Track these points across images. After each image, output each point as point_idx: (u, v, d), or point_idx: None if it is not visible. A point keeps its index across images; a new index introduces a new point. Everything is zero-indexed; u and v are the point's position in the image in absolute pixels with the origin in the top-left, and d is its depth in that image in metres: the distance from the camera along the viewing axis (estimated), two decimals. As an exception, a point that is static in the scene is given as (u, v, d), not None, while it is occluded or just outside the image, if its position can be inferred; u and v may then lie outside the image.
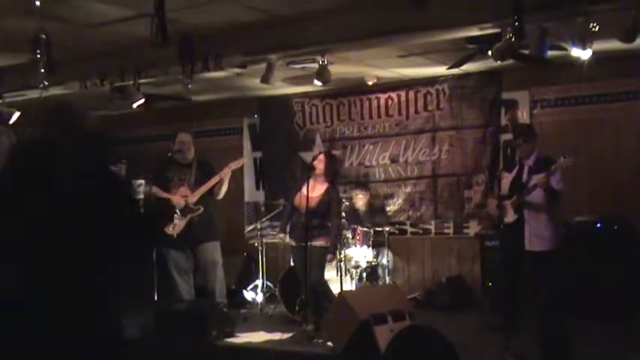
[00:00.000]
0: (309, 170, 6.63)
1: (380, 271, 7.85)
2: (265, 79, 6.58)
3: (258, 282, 8.17)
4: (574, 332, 5.25)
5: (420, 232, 8.61)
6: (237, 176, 8.49)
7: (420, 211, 8.57)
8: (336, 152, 8.90)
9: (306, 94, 9.18)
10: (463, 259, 8.23)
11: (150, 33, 5.08)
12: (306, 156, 8.91)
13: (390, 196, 8.72)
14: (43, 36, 5.57)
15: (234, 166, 7.04)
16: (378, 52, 6.97)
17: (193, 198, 6.90)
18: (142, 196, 7.09)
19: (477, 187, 8.16)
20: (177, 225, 6.86)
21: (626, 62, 6.98)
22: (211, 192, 7.00)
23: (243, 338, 6.50)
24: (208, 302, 6.88)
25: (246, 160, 9.24)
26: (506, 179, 5.78)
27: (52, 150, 2.55)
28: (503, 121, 8.03)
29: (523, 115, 7.92)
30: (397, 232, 8.44)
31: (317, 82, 6.59)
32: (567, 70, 6.81)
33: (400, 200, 8.67)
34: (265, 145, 9.66)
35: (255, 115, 9.70)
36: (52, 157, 2.52)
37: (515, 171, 5.72)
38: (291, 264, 7.84)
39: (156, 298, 6.89)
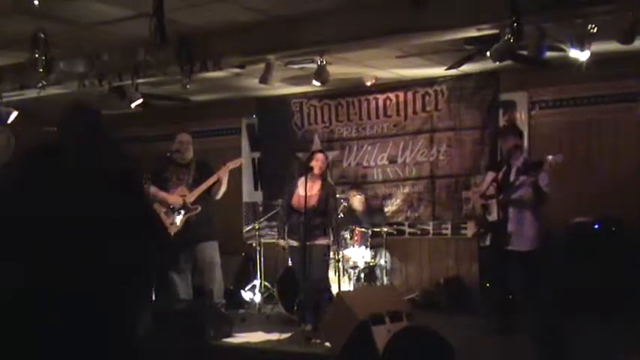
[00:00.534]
0: (307, 171, 6.63)
1: (378, 271, 7.85)
2: (264, 80, 6.58)
3: (256, 282, 8.17)
4: (572, 333, 5.26)
5: (418, 232, 8.61)
6: (235, 176, 8.50)
7: (418, 211, 8.58)
8: (334, 152, 8.94)
9: (304, 95, 9.18)
10: (461, 260, 8.23)
11: (149, 33, 5.07)
12: (304, 156, 8.92)
13: (388, 196, 8.73)
14: (42, 35, 5.57)
15: (231, 165, 7.04)
16: (377, 53, 6.97)
17: (191, 198, 6.90)
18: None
19: (475, 188, 8.16)
20: (174, 224, 6.86)
21: (625, 64, 6.99)
22: (210, 192, 7.00)
23: (240, 338, 6.49)
24: (206, 302, 6.88)
25: (245, 161, 9.25)
26: (493, 178, 5.81)
27: (71, 150, 2.53)
28: (502, 122, 8.03)
29: (521, 117, 7.93)
30: (395, 232, 8.44)
31: (315, 83, 6.59)
32: (566, 72, 6.80)
33: (398, 201, 8.67)
34: (264, 146, 9.66)
35: (254, 116, 9.71)
36: (71, 156, 2.51)
37: (502, 171, 5.74)
38: (289, 264, 7.86)
39: (154, 298, 6.88)
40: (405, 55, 7.13)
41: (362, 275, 7.62)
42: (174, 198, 6.88)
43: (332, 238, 6.77)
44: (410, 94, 8.60)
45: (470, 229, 8.20)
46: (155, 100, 8.27)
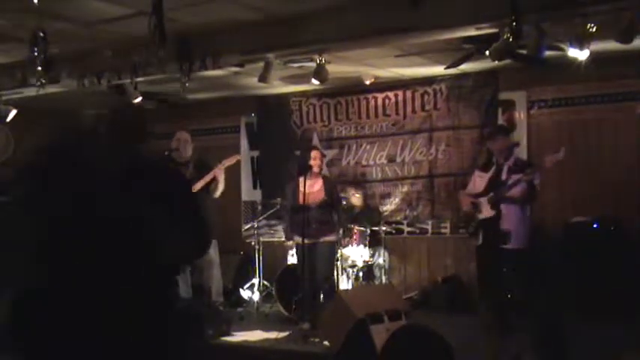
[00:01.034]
0: (305, 170, 6.64)
1: (376, 270, 7.86)
2: (263, 78, 6.58)
3: (255, 281, 8.17)
4: (571, 333, 5.26)
5: (417, 231, 8.61)
6: (234, 175, 8.50)
7: (416, 210, 8.58)
8: (333, 151, 8.95)
9: (303, 93, 9.18)
10: (459, 259, 8.23)
11: (148, 31, 5.07)
12: (301, 154, 8.93)
13: (387, 195, 8.73)
14: (41, 34, 5.56)
15: (227, 163, 7.03)
16: (376, 52, 6.97)
17: None
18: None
19: (463, 190, 8.15)
20: None
21: (624, 63, 6.99)
22: (207, 190, 6.99)
23: (239, 337, 6.50)
24: (205, 300, 6.88)
25: (243, 159, 9.25)
26: (482, 178, 5.82)
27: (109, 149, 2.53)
28: (501, 121, 8.03)
29: (520, 116, 7.93)
30: (394, 231, 8.45)
31: (314, 81, 6.58)
32: (565, 71, 6.79)
33: (397, 200, 8.67)
34: (262, 144, 9.66)
35: (253, 114, 9.71)
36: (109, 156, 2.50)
37: (492, 171, 5.75)
38: (288, 263, 7.87)
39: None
40: (404, 54, 7.13)
41: (360, 274, 7.63)
42: None
43: (340, 234, 6.85)
44: (409, 93, 8.60)
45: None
46: (154, 98, 8.28)
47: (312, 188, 6.65)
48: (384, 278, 7.86)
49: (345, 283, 7.43)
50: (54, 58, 6.14)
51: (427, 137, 8.50)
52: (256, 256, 8.16)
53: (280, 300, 7.34)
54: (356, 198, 8.17)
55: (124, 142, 2.58)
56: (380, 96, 8.75)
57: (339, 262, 7.33)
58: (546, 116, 7.86)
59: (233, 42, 6.37)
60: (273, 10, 5.88)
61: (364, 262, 7.61)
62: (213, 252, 7.06)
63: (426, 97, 8.51)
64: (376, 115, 8.81)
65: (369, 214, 8.17)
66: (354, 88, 8.78)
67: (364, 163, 8.90)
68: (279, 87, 8.83)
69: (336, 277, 7.23)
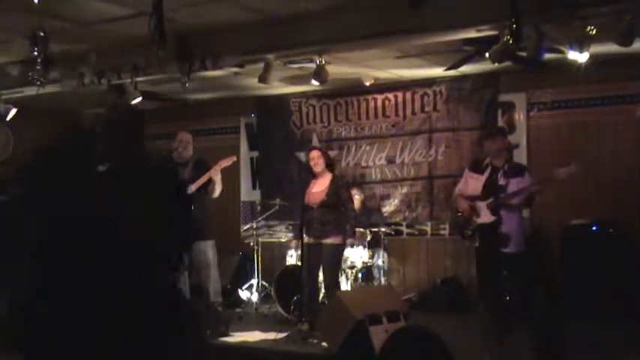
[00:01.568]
0: (308, 172, 6.64)
1: (375, 271, 7.85)
2: (263, 79, 6.59)
3: (254, 281, 8.16)
4: (571, 335, 5.27)
5: (416, 233, 8.61)
6: (233, 175, 8.50)
7: (416, 212, 8.58)
8: (333, 152, 8.93)
9: (303, 94, 9.18)
10: (458, 261, 8.23)
11: (148, 32, 5.07)
12: (303, 156, 8.92)
13: (386, 196, 8.73)
14: (41, 33, 5.56)
15: (224, 164, 7.02)
16: (376, 53, 6.98)
17: None
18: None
19: (458, 191, 8.15)
20: None
21: (623, 65, 7.00)
22: (205, 191, 6.99)
23: (237, 337, 6.50)
24: (203, 301, 6.88)
25: (242, 159, 9.25)
26: (476, 180, 5.82)
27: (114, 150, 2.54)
28: (500, 123, 8.04)
29: (520, 118, 7.94)
30: (393, 232, 8.44)
31: (314, 82, 6.59)
32: (564, 73, 6.81)
33: (396, 201, 8.68)
34: (262, 145, 9.66)
35: (253, 115, 9.71)
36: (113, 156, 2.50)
37: (487, 173, 5.74)
38: (287, 263, 7.87)
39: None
40: (403, 55, 7.13)
41: (359, 275, 7.62)
42: None
43: (346, 235, 6.54)
44: (409, 95, 8.60)
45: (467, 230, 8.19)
46: (154, 98, 8.27)
47: (316, 189, 6.64)
48: (383, 279, 7.86)
49: (344, 284, 7.43)
50: (54, 58, 6.14)
51: (427, 139, 8.50)
52: (255, 256, 8.16)
53: (279, 301, 7.33)
54: (356, 199, 8.16)
55: (120, 142, 2.59)
56: (380, 97, 8.76)
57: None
58: (546, 118, 7.87)
59: (233, 42, 6.38)
60: (273, 10, 5.88)
61: (363, 263, 7.61)
62: (211, 252, 7.06)
63: (425, 98, 8.51)
64: (376, 117, 8.81)
65: (369, 215, 8.16)
66: (354, 89, 8.78)
67: (364, 164, 8.90)
68: (279, 88, 8.83)
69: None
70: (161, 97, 8.53)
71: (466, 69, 7.39)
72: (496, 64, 5.97)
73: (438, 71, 7.74)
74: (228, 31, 6.29)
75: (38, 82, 6.32)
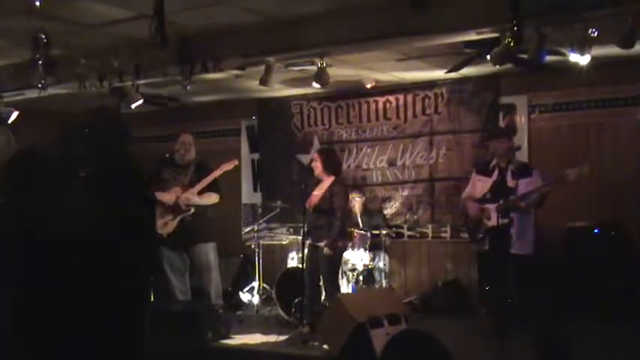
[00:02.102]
0: (309, 174, 6.65)
1: (376, 274, 7.83)
2: (264, 81, 6.59)
3: (255, 284, 8.16)
4: (572, 337, 5.25)
5: (417, 235, 8.61)
6: (234, 178, 8.50)
7: (417, 214, 8.57)
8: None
9: (304, 97, 9.18)
10: (460, 264, 8.22)
11: (149, 34, 5.08)
12: (304, 158, 8.92)
13: (388, 199, 8.73)
14: (42, 36, 5.57)
15: (226, 167, 7.03)
16: (377, 56, 6.98)
17: (185, 199, 6.89)
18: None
19: (465, 194, 8.14)
20: (167, 225, 6.87)
21: (625, 68, 7.00)
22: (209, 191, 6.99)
23: (238, 340, 6.49)
24: (204, 303, 6.87)
25: (244, 162, 9.26)
26: (484, 182, 5.80)
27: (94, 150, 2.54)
28: (502, 125, 8.03)
29: (521, 120, 7.93)
30: (394, 235, 8.44)
31: (315, 85, 6.59)
32: (566, 76, 6.82)
33: (397, 204, 8.67)
34: (263, 147, 9.66)
35: (254, 117, 9.71)
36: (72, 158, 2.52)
37: (495, 175, 5.73)
38: (288, 266, 7.87)
39: (152, 298, 6.88)
40: (405, 57, 7.13)
41: (360, 278, 7.61)
42: (167, 198, 6.88)
43: (333, 241, 6.50)
44: (410, 97, 8.60)
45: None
46: (155, 101, 8.28)
47: (316, 192, 6.68)
48: (384, 282, 7.85)
49: (345, 287, 7.42)
50: (56, 60, 6.14)
51: (428, 141, 8.50)
52: (256, 258, 8.15)
53: (280, 303, 7.33)
54: (357, 202, 8.16)
55: (101, 144, 2.60)
56: (381, 100, 8.76)
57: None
58: (547, 121, 7.86)
59: (234, 45, 6.38)
60: (274, 13, 5.88)
61: (364, 265, 7.60)
62: (212, 255, 7.06)
63: (426, 100, 8.51)
64: (377, 119, 8.81)
65: (370, 217, 8.16)
66: (355, 92, 8.78)
67: (365, 166, 8.90)
68: (280, 90, 8.84)
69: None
70: (162, 99, 8.54)
71: (467, 71, 7.38)
72: (497, 67, 5.96)
73: (439, 74, 7.74)
74: (230, 33, 6.29)
75: (39, 85, 6.33)
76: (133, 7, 5.62)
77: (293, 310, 6.99)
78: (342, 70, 7.44)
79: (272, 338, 6.45)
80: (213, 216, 7.19)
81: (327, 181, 6.69)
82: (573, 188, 7.25)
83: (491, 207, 5.65)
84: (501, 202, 5.55)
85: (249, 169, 9.71)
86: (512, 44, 5.12)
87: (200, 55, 6.41)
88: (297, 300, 6.86)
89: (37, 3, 5.13)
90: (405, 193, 8.63)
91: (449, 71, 7.12)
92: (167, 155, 7.15)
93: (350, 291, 7.38)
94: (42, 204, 2.40)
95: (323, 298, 6.88)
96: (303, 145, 9.23)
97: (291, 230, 8.39)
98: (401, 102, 8.65)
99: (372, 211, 8.42)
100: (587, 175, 5.42)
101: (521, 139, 7.85)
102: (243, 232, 9.51)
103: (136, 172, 2.89)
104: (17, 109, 8.08)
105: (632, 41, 5.13)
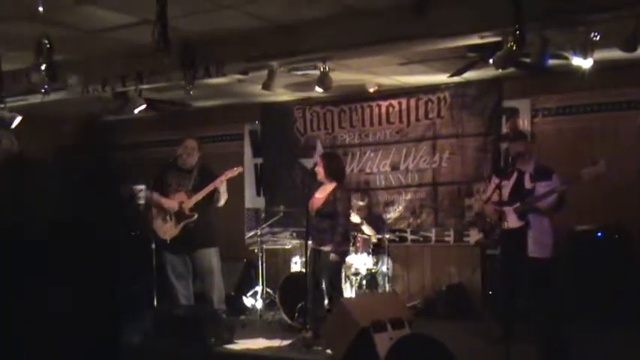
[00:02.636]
0: (312, 178, 6.65)
1: (380, 278, 7.84)
2: (266, 86, 6.59)
3: (258, 288, 8.16)
4: (575, 340, 5.25)
5: (421, 239, 8.60)
6: (237, 182, 8.50)
7: (420, 218, 8.57)
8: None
9: (307, 101, 9.19)
10: (463, 268, 8.22)
11: (152, 39, 5.09)
12: (307, 162, 8.93)
13: (391, 203, 8.72)
14: (46, 41, 5.58)
15: (229, 174, 7.03)
16: (379, 60, 6.98)
17: (189, 204, 6.90)
18: (142, 202, 7.15)
19: (478, 196, 8.15)
20: (170, 230, 6.88)
21: (627, 71, 7.00)
22: (210, 199, 7.00)
23: (241, 345, 6.49)
24: (207, 308, 6.87)
25: (247, 166, 9.26)
26: (504, 186, 5.79)
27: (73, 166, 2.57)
28: (504, 129, 8.03)
29: (524, 124, 7.92)
30: (397, 239, 8.44)
31: (318, 89, 6.59)
32: (568, 79, 6.81)
33: (400, 208, 8.67)
34: (266, 152, 9.67)
35: (257, 122, 9.71)
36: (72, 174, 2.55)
37: (514, 178, 5.72)
38: (292, 270, 7.87)
39: (155, 303, 6.88)
40: (407, 62, 7.13)
41: (364, 282, 7.61)
42: (170, 203, 6.89)
43: (336, 245, 6.49)
44: (412, 101, 8.60)
45: (473, 236, 8.18)
46: (158, 106, 8.29)
47: (318, 195, 6.69)
48: (387, 286, 7.85)
49: (348, 291, 7.41)
50: (59, 66, 6.16)
51: (431, 145, 8.50)
52: (259, 263, 8.15)
53: (283, 308, 7.32)
54: (360, 206, 8.16)
55: (82, 152, 2.63)
56: (383, 104, 8.76)
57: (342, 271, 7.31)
58: (550, 124, 7.86)
59: (237, 50, 6.39)
60: (276, 18, 5.89)
61: (367, 270, 7.60)
62: (215, 259, 7.07)
63: (429, 104, 8.51)
64: (380, 123, 8.82)
65: (373, 222, 8.15)
66: (358, 96, 8.79)
67: (368, 170, 8.90)
68: (282, 95, 8.85)
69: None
70: (165, 104, 8.55)
71: (470, 75, 7.39)
72: (500, 71, 5.97)
73: (442, 78, 7.74)
74: (232, 38, 6.30)
75: (43, 90, 6.34)
76: (135, 13, 5.64)
77: (296, 314, 6.99)
78: (345, 75, 7.45)
79: (275, 343, 6.45)
80: (216, 220, 7.20)
81: (330, 185, 6.69)
82: (576, 192, 7.26)
83: (509, 209, 5.63)
84: (519, 204, 5.52)
85: (252, 174, 9.72)
86: (514, 48, 5.12)
87: (203, 60, 6.42)
88: (300, 304, 6.86)
89: (40, 9, 5.14)
90: (409, 197, 8.62)
91: (451, 75, 7.12)
92: (170, 160, 7.16)
93: (353, 295, 7.37)
94: (22, 206, 2.42)
95: (326, 302, 6.87)
96: (306, 150, 9.23)
97: (295, 234, 8.39)
98: (404, 106, 8.65)
99: (375, 216, 8.42)
100: (603, 173, 5.36)
101: (524, 142, 7.84)
102: (246, 237, 9.52)
103: (110, 172, 2.91)
104: (20, 114, 8.10)
105: (635, 44, 5.13)
